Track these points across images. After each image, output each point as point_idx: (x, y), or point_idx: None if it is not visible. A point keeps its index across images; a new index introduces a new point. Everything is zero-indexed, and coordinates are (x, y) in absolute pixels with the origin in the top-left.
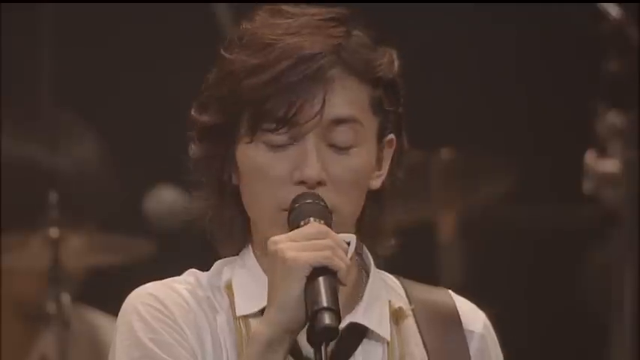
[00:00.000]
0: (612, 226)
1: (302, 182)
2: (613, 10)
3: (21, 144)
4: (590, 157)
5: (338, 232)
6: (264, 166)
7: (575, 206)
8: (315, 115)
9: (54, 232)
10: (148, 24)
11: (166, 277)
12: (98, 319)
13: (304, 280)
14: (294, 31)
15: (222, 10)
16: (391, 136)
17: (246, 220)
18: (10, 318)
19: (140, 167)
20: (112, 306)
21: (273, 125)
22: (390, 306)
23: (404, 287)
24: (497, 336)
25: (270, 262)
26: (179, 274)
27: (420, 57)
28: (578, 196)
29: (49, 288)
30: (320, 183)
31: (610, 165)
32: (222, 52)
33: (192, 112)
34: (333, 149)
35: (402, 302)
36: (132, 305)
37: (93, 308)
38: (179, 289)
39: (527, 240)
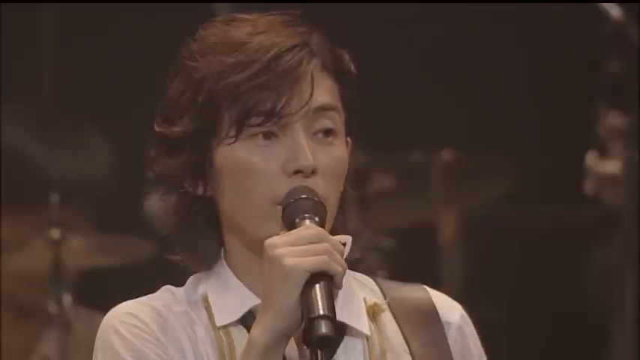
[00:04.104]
0: (613, 227)
1: (297, 172)
2: (613, 10)
3: (22, 145)
4: (591, 158)
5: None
6: (254, 162)
7: (576, 207)
8: (304, 105)
9: (55, 233)
10: (148, 24)
11: (167, 278)
12: (99, 319)
13: (302, 287)
14: (263, 30)
15: (222, 10)
16: (348, 137)
17: (218, 234)
18: (11, 319)
19: (141, 168)
20: (113, 307)
21: (261, 119)
22: (365, 303)
23: (377, 284)
24: (498, 336)
25: (266, 267)
26: (180, 275)
27: (421, 58)
28: (579, 196)
29: (50, 289)
30: (314, 172)
31: (611, 166)
32: (185, 61)
33: (158, 127)
34: (317, 139)
35: (376, 298)
36: (110, 325)
37: (94, 309)
38: (156, 306)
39: (527, 240)
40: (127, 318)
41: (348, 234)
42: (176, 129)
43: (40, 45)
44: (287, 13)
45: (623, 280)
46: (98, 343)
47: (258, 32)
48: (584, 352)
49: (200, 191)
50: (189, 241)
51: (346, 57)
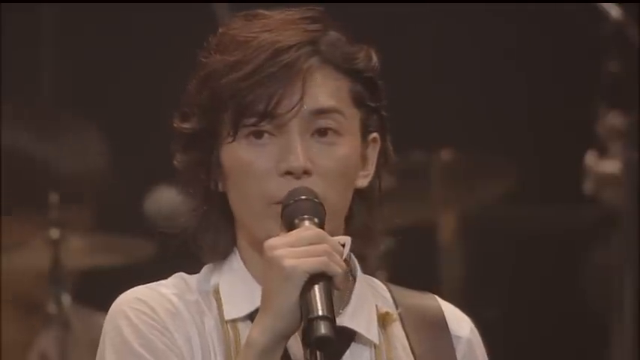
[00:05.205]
0: (612, 227)
1: (288, 173)
2: (613, 10)
3: (22, 144)
4: (590, 158)
5: (328, 229)
6: (249, 161)
7: (575, 207)
8: (295, 105)
9: (54, 232)
10: (148, 24)
11: (167, 278)
12: (98, 319)
13: (301, 288)
14: (271, 28)
15: (222, 10)
16: (375, 134)
17: (231, 228)
18: (11, 318)
19: (141, 167)
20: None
21: (254, 119)
22: (376, 310)
23: (390, 292)
24: (497, 336)
25: (266, 268)
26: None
27: (422, 58)
28: (578, 196)
29: (50, 288)
30: (306, 172)
31: (610, 165)
32: (201, 58)
33: (175, 123)
34: (317, 140)
35: (388, 307)
36: (120, 310)
37: (93, 308)
38: (167, 294)
39: (527, 240)
40: (137, 304)
41: (367, 233)
42: (186, 126)
43: (40, 45)
44: (309, 9)
45: (623, 280)
46: (107, 327)
47: (265, 30)
48: (584, 352)
49: (213, 186)
50: (202, 234)
51: (362, 55)
